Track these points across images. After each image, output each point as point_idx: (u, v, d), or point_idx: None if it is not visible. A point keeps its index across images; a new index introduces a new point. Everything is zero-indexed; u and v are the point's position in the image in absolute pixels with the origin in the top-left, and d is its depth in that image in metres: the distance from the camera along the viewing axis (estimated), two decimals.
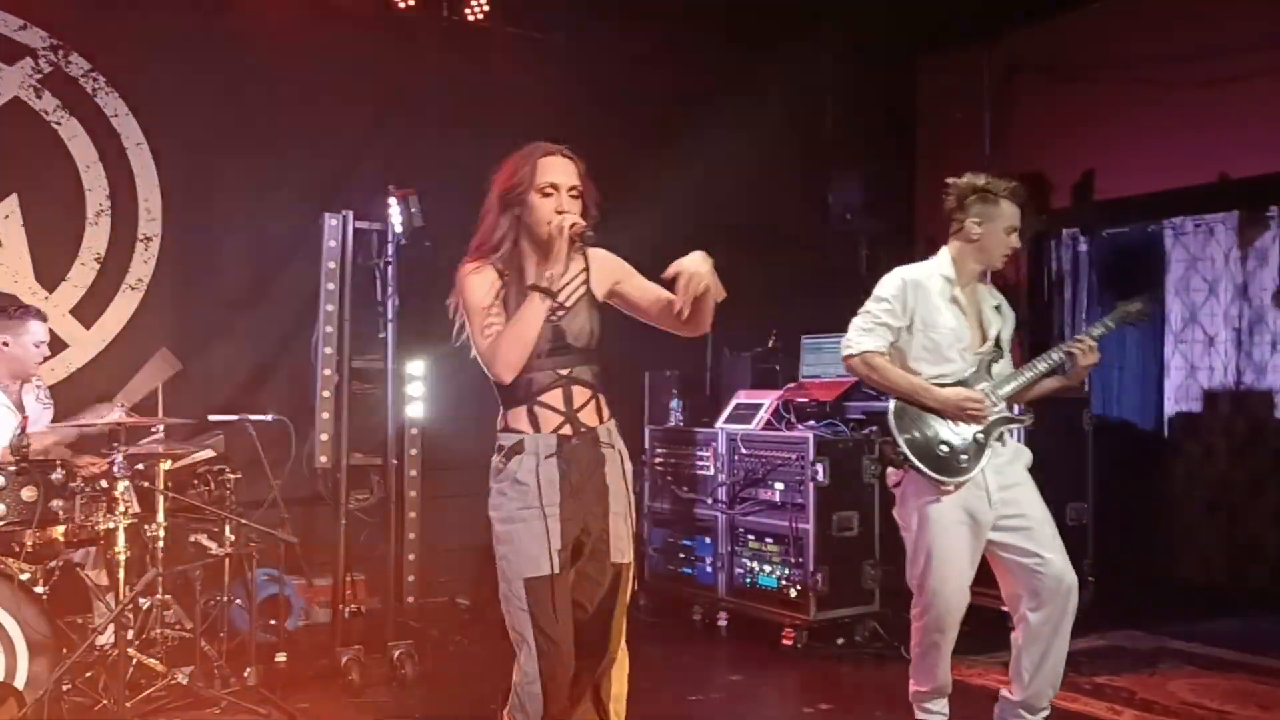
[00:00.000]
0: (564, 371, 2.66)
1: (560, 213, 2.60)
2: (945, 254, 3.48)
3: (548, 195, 2.61)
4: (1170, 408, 6.46)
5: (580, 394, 2.68)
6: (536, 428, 2.64)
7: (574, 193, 2.64)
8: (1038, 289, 6.88)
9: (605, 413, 2.74)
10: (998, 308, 3.55)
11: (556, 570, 2.59)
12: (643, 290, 2.75)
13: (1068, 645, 3.36)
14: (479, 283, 2.64)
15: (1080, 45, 6.42)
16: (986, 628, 3.60)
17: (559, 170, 2.63)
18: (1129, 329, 3.63)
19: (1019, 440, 3.56)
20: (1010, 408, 3.45)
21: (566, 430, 2.65)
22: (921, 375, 3.40)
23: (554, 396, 2.65)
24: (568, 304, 2.67)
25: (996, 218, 3.39)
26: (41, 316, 4.31)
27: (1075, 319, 6.81)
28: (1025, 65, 6.65)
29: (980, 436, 3.35)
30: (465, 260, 2.70)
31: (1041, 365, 3.45)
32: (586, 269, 2.73)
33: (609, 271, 2.76)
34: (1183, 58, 5.87)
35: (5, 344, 4.16)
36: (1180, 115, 5.92)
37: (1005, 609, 3.52)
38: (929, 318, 3.40)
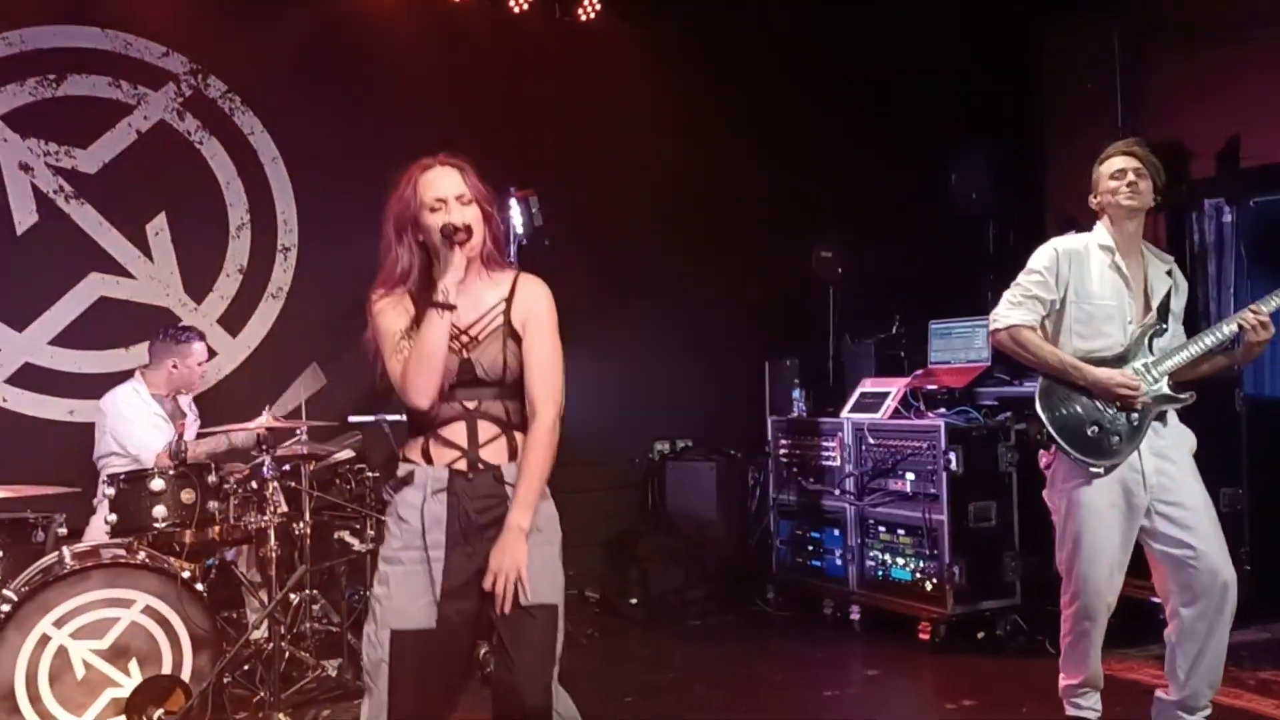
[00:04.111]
0: (471, 405, 2.48)
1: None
2: (1100, 225, 3.37)
3: (436, 210, 2.48)
4: None
5: (486, 430, 2.48)
6: (429, 460, 2.47)
7: (464, 200, 2.50)
8: (1178, 265, 6.52)
9: (518, 452, 2.49)
10: (1169, 272, 3.36)
11: (433, 625, 2.40)
12: (529, 352, 2.51)
13: (1226, 643, 3.18)
14: (390, 312, 2.53)
15: (1221, 1, 6.06)
16: (1137, 620, 3.44)
17: (442, 182, 2.50)
18: None
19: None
20: (1171, 386, 3.25)
21: (461, 465, 2.46)
22: (1075, 349, 3.26)
23: (455, 430, 2.48)
24: (479, 335, 2.50)
25: (1104, 174, 3.32)
26: (203, 337, 4.63)
27: (1221, 295, 6.41)
28: (1161, 26, 6.30)
29: (1135, 417, 3.19)
30: (372, 295, 2.57)
31: (1208, 339, 3.23)
32: (510, 298, 2.54)
33: (527, 308, 2.53)
34: None
35: (174, 366, 4.49)
36: None
37: (1157, 599, 3.35)
38: (1082, 289, 3.27)
